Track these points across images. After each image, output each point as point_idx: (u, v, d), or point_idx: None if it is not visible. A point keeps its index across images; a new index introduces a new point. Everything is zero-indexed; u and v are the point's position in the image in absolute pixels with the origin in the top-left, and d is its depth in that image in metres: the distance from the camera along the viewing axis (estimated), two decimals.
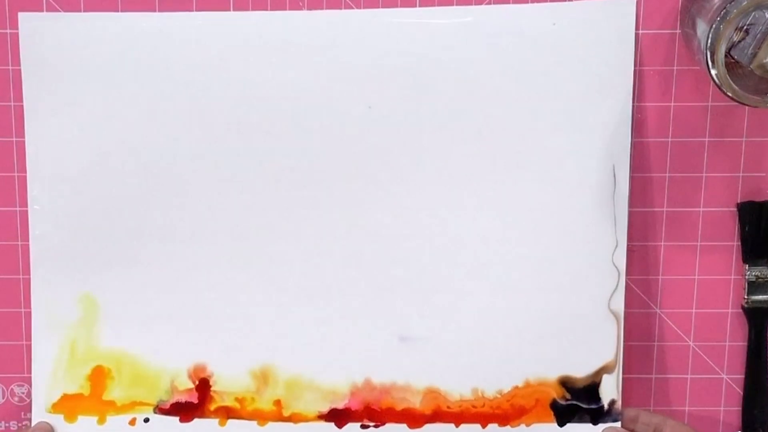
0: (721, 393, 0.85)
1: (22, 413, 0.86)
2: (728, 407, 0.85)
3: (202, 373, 0.83)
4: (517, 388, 0.82)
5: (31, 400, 0.84)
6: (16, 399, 0.86)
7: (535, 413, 0.83)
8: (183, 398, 0.83)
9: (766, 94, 0.72)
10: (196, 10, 0.80)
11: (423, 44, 0.79)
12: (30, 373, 0.84)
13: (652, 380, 0.85)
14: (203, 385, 0.83)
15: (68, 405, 0.84)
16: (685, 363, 0.85)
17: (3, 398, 0.86)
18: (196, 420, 0.84)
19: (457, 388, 0.83)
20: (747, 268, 0.83)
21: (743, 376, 0.84)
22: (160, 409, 0.84)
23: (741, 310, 0.84)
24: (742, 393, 0.85)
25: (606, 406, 0.82)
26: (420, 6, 0.80)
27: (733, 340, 0.84)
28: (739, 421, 0.85)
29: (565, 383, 0.82)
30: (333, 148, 0.80)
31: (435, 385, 0.83)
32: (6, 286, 0.84)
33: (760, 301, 0.83)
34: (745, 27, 0.71)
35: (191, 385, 0.83)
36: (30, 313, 0.83)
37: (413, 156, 0.80)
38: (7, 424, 0.86)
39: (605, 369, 0.82)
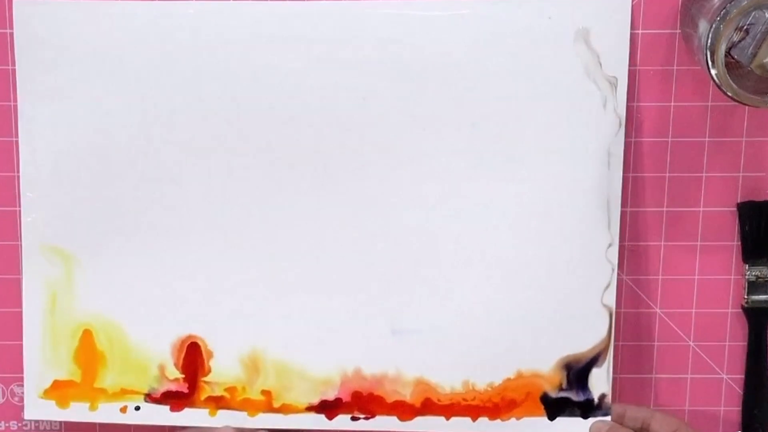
0: (721, 393, 0.85)
1: (22, 413, 0.86)
2: (728, 407, 0.85)
3: (190, 357, 0.83)
4: (508, 380, 0.82)
5: None
6: (16, 399, 0.86)
7: (525, 407, 0.83)
8: (173, 387, 0.84)
9: (766, 94, 0.72)
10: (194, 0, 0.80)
11: (418, 36, 0.79)
12: None
13: (652, 380, 0.85)
14: (193, 375, 0.83)
15: (60, 391, 0.84)
16: (685, 363, 0.85)
17: (3, 398, 0.86)
18: (186, 409, 0.84)
19: (448, 381, 0.83)
20: (747, 268, 0.83)
21: (743, 376, 0.84)
22: (151, 398, 0.84)
23: (741, 310, 0.84)
24: (742, 393, 0.85)
25: (596, 400, 0.82)
26: None
27: (733, 340, 0.84)
28: (739, 421, 0.85)
29: (565, 365, 0.82)
30: (328, 139, 0.80)
31: (426, 378, 0.83)
32: (6, 286, 0.84)
33: (760, 301, 0.83)
34: (745, 27, 0.71)
35: (179, 375, 0.83)
36: None
37: (407, 148, 0.80)
38: (7, 424, 0.86)
39: (596, 362, 0.82)
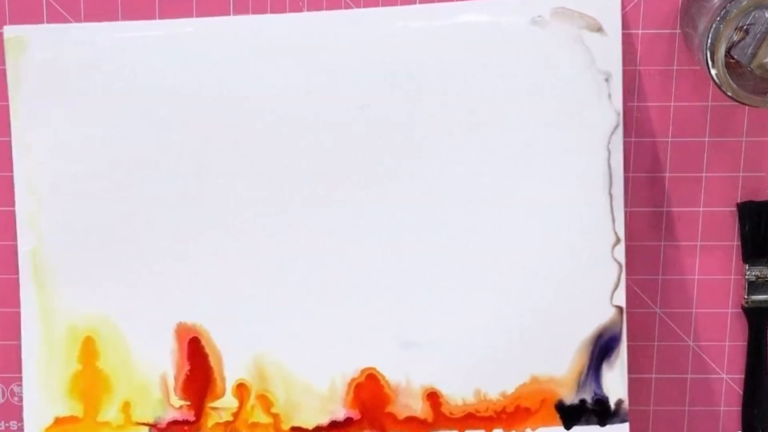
0: (721, 393, 0.85)
1: (22, 413, 0.85)
2: (728, 407, 0.85)
3: (193, 359, 0.82)
4: (522, 386, 0.82)
5: None
6: (16, 399, 0.86)
7: (540, 416, 0.82)
8: (179, 416, 0.83)
9: (766, 94, 0.72)
10: (196, 16, 0.80)
11: (413, 43, 0.79)
12: None
13: (652, 380, 0.85)
14: (198, 400, 0.82)
15: (61, 428, 0.83)
16: (685, 363, 0.85)
17: (3, 398, 0.86)
18: None
19: (459, 392, 0.82)
20: (747, 268, 0.83)
21: (743, 376, 0.84)
22: (157, 429, 0.83)
23: (741, 310, 0.84)
24: (742, 393, 0.85)
25: (613, 407, 0.82)
26: (418, 4, 0.80)
27: (733, 340, 0.84)
28: (739, 421, 0.85)
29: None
30: (335, 148, 0.80)
31: (436, 389, 0.82)
32: (5, 286, 0.84)
33: (760, 301, 0.83)
34: (745, 27, 0.71)
35: (183, 402, 0.82)
36: None
37: (411, 156, 0.80)
38: (7, 424, 0.86)
39: (609, 355, 0.81)
